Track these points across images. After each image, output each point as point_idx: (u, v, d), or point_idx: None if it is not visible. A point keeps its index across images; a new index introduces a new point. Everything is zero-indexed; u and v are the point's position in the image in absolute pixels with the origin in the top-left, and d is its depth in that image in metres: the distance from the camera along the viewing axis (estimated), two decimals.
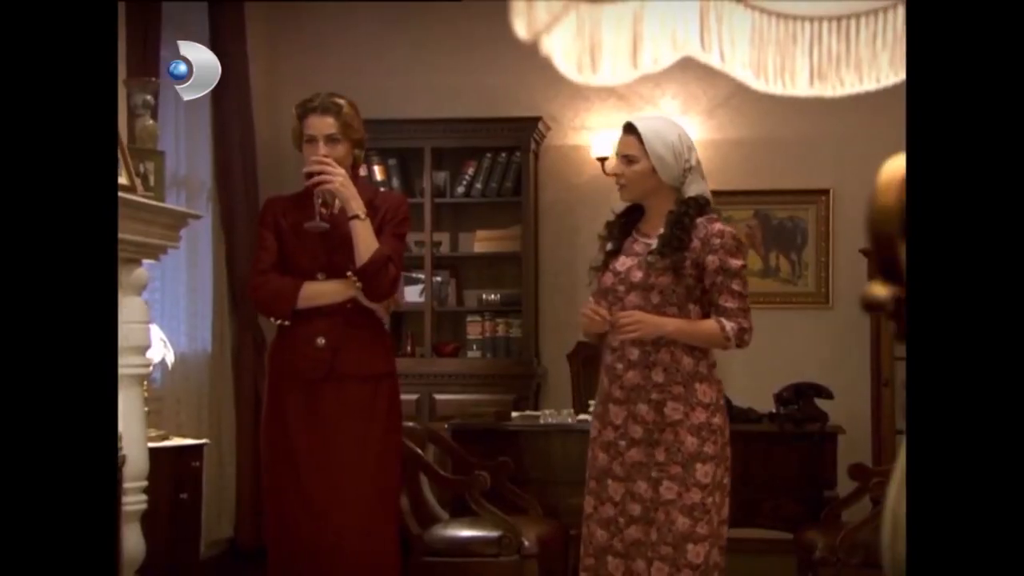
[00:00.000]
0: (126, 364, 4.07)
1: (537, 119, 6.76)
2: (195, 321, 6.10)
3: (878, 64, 1.23)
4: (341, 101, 3.93)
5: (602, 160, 6.91)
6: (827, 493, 5.02)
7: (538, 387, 6.84)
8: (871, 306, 1.11)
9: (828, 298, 6.89)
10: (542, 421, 5.25)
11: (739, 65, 1.21)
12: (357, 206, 3.81)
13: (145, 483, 4.15)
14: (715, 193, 6.64)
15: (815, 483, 5.07)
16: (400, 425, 4.09)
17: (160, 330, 5.02)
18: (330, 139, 3.88)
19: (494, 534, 4.50)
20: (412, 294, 6.87)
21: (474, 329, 6.87)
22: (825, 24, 1.21)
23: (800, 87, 1.23)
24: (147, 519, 4.35)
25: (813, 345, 6.79)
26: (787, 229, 7.00)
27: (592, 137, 6.95)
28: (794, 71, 1.22)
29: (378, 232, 3.90)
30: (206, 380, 6.14)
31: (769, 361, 6.77)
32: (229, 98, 6.24)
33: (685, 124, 7.02)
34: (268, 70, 6.98)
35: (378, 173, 6.86)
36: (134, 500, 4.10)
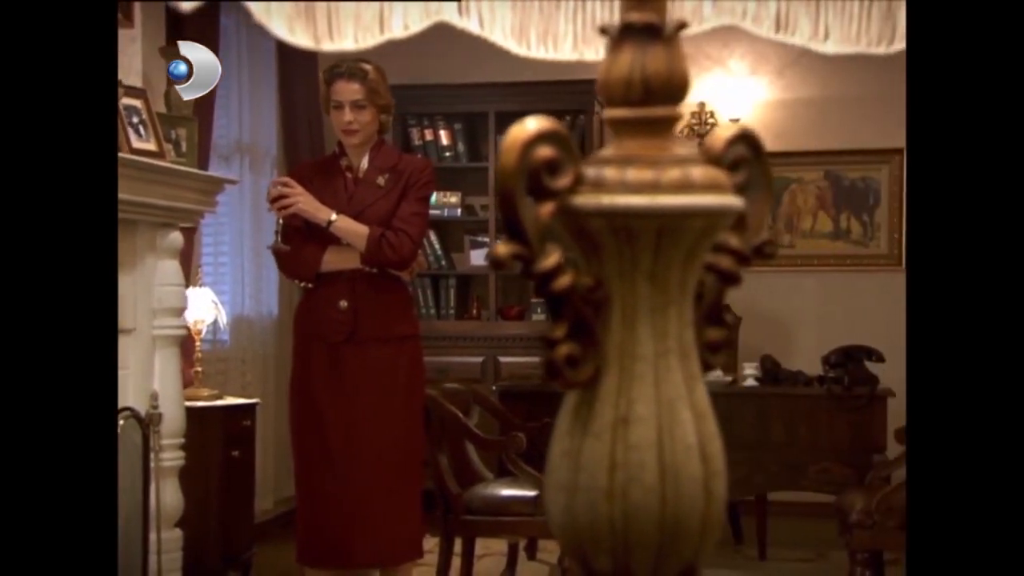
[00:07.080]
0: (161, 325, 4.21)
1: None
2: (260, 284, 6.24)
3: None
4: (367, 67, 3.96)
5: None
6: (876, 457, 4.94)
7: None
8: (495, 264, 1.12)
9: (901, 260, 6.73)
10: None
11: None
12: (324, 215, 3.87)
13: (182, 440, 4.27)
14: (785, 154, 6.62)
15: (864, 447, 5.02)
16: (423, 387, 4.13)
17: (212, 292, 5.16)
18: (355, 105, 3.93)
19: (530, 494, 4.53)
20: (477, 258, 6.92)
21: None
22: None
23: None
24: (197, 476, 4.49)
25: (885, 308, 6.64)
26: (859, 190, 6.85)
27: None
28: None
29: (401, 197, 3.95)
30: (272, 341, 6.29)
31: (838, 323, 6.67)
32: (295, 66, 6.35)
33: (754, 84, 6.95)
34: None
35: (444, 138, 6.92)
36: (171, 456, 4.22)
